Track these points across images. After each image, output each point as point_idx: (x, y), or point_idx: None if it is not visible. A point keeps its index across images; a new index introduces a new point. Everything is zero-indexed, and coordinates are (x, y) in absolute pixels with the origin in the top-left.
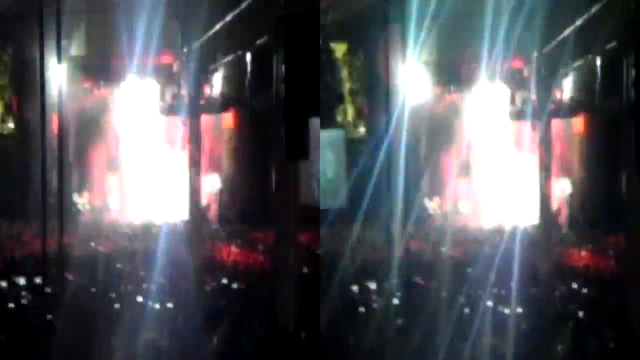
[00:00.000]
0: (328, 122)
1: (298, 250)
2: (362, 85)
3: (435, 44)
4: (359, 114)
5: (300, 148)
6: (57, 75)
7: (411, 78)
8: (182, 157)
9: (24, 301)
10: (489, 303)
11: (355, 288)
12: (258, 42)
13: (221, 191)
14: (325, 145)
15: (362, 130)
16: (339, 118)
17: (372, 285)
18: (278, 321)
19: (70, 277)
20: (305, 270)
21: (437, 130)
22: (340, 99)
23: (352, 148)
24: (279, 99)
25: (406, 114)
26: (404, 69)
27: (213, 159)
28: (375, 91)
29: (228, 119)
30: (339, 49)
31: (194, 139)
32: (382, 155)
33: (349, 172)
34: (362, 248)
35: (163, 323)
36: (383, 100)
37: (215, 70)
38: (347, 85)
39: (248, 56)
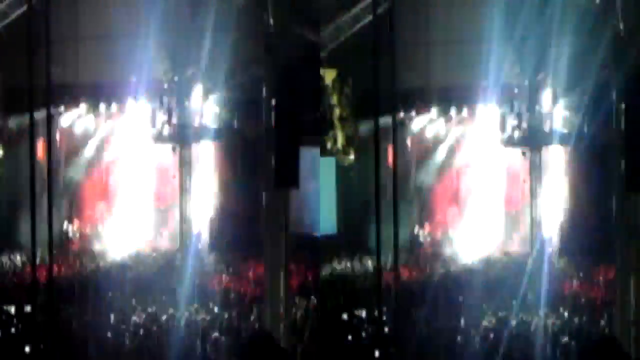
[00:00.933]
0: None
1: (288, 278)
2: (352, 112)
3: (425, 71)
4: (348, 141)
5: (290, 176)
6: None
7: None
8: (173, 185)
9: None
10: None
11: (345, 317)
12: (249, 71)
13: (212, 219)
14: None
15: (351, 157)
16: (329, 145)
17: (362, 314)
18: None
19: (60, 304)
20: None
21: (428, 157)
22: (330, 126)
23: (343, 175)
24: (269, 128)
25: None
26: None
27: (204, 187)
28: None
29: (218, 147)
30: (329, 76)
31: (184, 166)
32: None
33: (340, 199)
34: (353, 276)
35: None
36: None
37: (206, 99)
38: (336, 112)
39: (238, 85)
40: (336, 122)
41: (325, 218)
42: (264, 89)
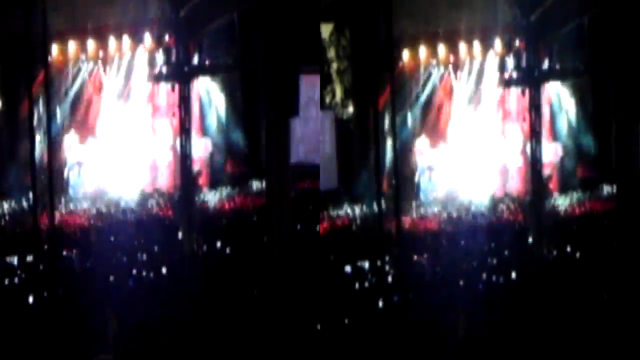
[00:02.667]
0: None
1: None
2: (350, 65)
3: (422, 16)
4: (347, 94)
5: (291, 106)
6: (44, 45)
7: (398, 54)
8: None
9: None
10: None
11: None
12: (247, 5)
13: (212, 155)
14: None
15: (350, 110)
16: (328, 99)
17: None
18: None
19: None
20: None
21: (427, 103)
22: (328, 80)
23: (342, 128)
24: (269, 60)
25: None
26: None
27: (204, 124)
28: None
29: (218, 82)
30: (326, 30)
31: (184, 104)
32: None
33: (339, 152)
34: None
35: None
36: (371, 79)
37: (205, 35)
38: (334, 66)
39: (237, 20)
40: (334, 76)
41: (326, 171)
42: (264, 21)
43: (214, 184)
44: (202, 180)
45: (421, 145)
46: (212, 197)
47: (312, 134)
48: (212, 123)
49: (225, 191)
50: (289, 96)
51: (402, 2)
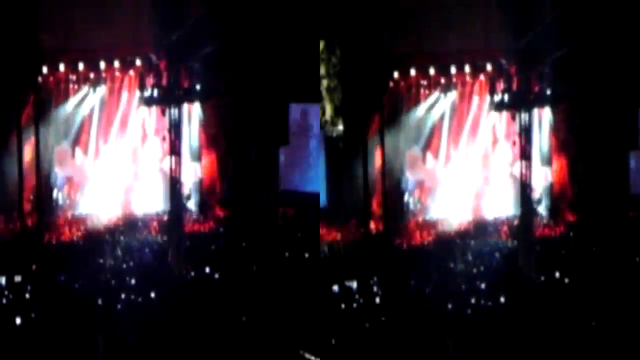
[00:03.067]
0: None
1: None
2: (340, 83)
3: (414, 37)
4: (337, 112)
5: (281, 134)
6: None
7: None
8: (163, 147)
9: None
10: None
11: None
12: (238, 33)
13: (202, 179)
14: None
15: (340, 128)
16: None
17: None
18: None
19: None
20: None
21: (418, 125)
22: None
23: (330, 146)
24: (260, 87)
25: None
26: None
27: (193, 148)
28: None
29: (208, 108)
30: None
31: (174, 128)
32: (360, 152)
33: (329, 170)
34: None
35: None
36: (360, 97)
37: (196, 60)
38: (324, 83)
39: (228, 46)
40: (324, 93)
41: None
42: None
43: (203, 208)
44: (191, 204)
45: (412, 165)
46: (201, 222)
47: (298, 162)
48: (203, 147)
49: (214, 216)
50: (279, 125)
51: (394, 22)
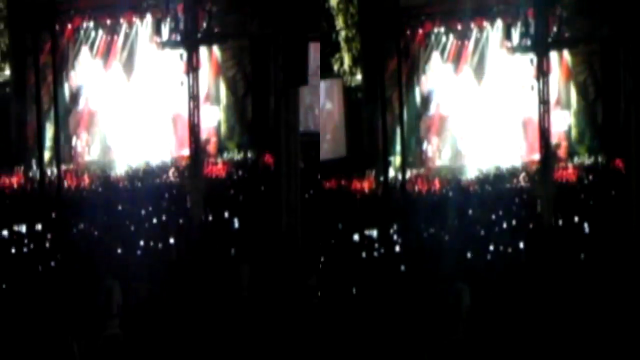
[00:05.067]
0: (325, 71)
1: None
2: (358, 33)
3: None
4: (355, 62)
5: (300, 74)
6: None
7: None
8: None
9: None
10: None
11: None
12: None
13: (220, 122)
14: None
15: (358, 77)
16: (335, 67)
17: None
18: None
19: (72, 219)
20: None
21: (435, 70)
22: (336, 48)
23: (350, 96)
24: (278, 27)
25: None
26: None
27: (212, 91)
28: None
29: (226, 50)
30: None
31: (193, 72)
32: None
33: (348, 120)
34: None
35: None
36: (379, 47)
37: (213, 3)
38: (342, 33)
39: None
40: (342, 44)
41: (334, 140)
42: None
43: (222, 153)
44: (210, 149)
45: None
46: (220, 166)
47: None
48: (221, 91)
49: (233, 159)
50: (299, 64)
51: None
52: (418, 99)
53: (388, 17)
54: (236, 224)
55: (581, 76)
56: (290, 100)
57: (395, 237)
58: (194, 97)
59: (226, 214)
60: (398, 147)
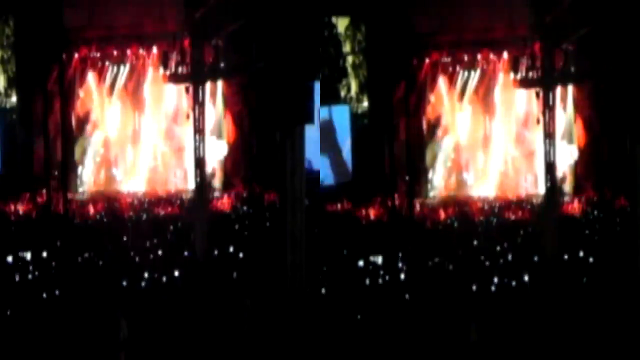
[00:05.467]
0: (332, 97)
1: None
2: (365, 59)
3: (437, 14)
4: (362, 89)
5: (306, 112)
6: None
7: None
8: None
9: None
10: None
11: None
12: (261, 10)
13: (226, 157)
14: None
15: (365, 104)
16: (343, 93)
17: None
18: None
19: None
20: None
21: (441, 99)
22: (343, 74)
23: (357, 122)
24: (284, 64)
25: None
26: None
27: (218, 125)
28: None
29: (232, 86)
30: (341, 24)
31: (199, 106)
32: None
33: (355, 146)
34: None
35: None
36: (386, 73)
37: (220, 38)
38: (349, 60)
39: (252, 24)
40: (349, 70)
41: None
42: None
43: (227, 187)
44: (215, 183)
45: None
46: (225, 200)
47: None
48: (227, 126)
49: (238, 194)
50: (303, 103)
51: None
52: (424, 126)
53: (395, 45)
54: (240, 259)
55: (587, 111)
56: (295, 137)
57: (400, 264)
58: (199, 131)
59: (231, 249)
60: (404, 174)
